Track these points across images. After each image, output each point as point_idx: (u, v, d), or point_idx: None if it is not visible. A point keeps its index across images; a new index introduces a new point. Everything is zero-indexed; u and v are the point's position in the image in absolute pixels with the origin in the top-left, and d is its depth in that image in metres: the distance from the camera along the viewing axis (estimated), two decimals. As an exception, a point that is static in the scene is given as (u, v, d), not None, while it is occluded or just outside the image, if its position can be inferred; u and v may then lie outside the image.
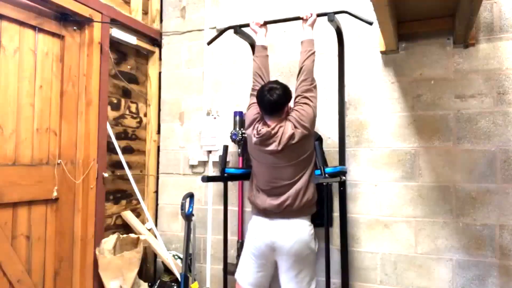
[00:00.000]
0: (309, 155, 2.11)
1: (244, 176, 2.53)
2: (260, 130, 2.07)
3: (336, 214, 2.52)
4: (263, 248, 2.08)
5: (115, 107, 2.89)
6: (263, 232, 2.09)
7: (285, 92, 2.07)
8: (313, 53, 2.17)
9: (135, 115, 3.10)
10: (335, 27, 2.34)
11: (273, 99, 2.02)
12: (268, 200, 2.09)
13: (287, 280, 2.06)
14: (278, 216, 2.07)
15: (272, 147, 2.04)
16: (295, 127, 2.03)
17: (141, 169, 3.15)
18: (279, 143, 2.02)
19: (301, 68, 2.15)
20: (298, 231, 2.04)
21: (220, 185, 2.83)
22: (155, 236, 2.94)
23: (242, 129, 2.75)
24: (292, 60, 2.75)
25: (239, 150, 2.80)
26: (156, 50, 3.25)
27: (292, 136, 2.01)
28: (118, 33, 2.81)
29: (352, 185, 2.57)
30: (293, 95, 2.14)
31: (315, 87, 2.15)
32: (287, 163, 2.06)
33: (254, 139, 2.09)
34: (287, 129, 2.03)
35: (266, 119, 2.12)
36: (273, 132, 2.03)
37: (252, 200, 2.17)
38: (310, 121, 2.07)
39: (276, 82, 2.12)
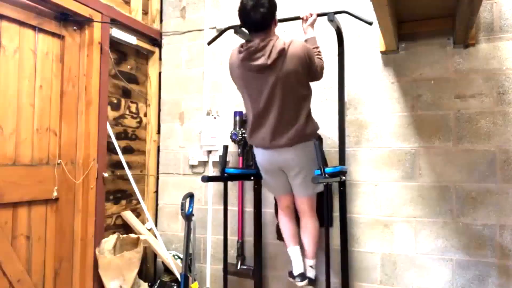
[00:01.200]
0: (301, 91, 2.05)
1: (244, 176, 2.53)
2: (247, 44, 1.95)
3: (336, 214, 2.52)
4: (270, 167, 2.24)
5: (115, 107, 2.89)
6: (267, 159, 2.19)
7: (270, 3, 1.93)
8: (320, 51, 2.19)
9: (135, 115, 3.10)
10: (335, 27, 2.34)
11: (258, 18, 1.90)
12: (267, 138, 2.10)
13: (295, 185, 2.23)
14: (280, 147, 2.11)
15: (260, 61, 1.92)
16: (293, 47, 1.92)
17: (141, 169, 3.15)
18: (268, 57, 1.90)
19: None
20: (299, 153, 2.10)
21: (220, 185, 2.83)
22: (155, 236, 2.94)
23: (242, 129, 2.75)
24: (292, 60, 2.74)
25: (239, 150, 2.80)
26: (156, 50, 3.25)
27: (282, 51, 1.90)
28: (118, 33, 2.81)
29: (352, 185, 2.57)
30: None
31: (322, 68, 2.17)
32: (279, 89, 1.96)
33: (240, 56, 1.97)
34: (278, 43, 1.92)
35: (252, 37, 2.00)
36: (261, 44, 1.92)
37: (252, 141, 2.21)
38: (310, 56, 2.00)
39: None
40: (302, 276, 2.26)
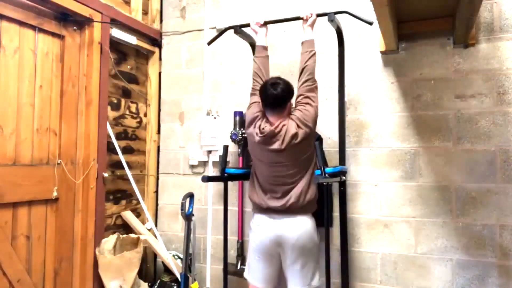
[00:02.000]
0: (311, 154, 2.11)
1: (244, 176, 2.53)
2: (263, 129, 2.06)
3: (336, 214, 2.52)
4: (268, 244, 2.08)
5: (115, 107, 2.89)
6: (267, 229, 2.08)
7: (288, 87, 2.08)
8: (314, 53, 2.17)
9: (135, 115, 3.10)
10: (335, 27, 2.34)
11: (276, 93, 2.03)
12: (270, 200, 2.09)
13: (292, 273, 2.06)
14: (282, 214, 2.07)
15: (275, 146, 2.03)
16: (298, 126, 2.03)
17: (141, 169, 3.15)
18: (282, 142, 2.02)
19: (303, 69, 2.15)
20: (302, 225, 2.04)
21: (220, 185, 2.83)
22: (155, 236, 2.94)
23: (242, 129, 2.74)
24: (292, 60, 2.75)
25: (239, 150, 2.80)
26: (156, 50, 3.25)
27: (295, 136, 2.01)
28: (118, 33, 2.81)
29: (352, 185, 2.57)
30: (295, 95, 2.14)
31: (316, 87, 2.15)
32: (289, 162, 2.06)
33: (257, 138, 2.08)
34: (290, 128, 2.03)
35: (268, 116, 2.11)
36: (276, 130, 2.03)
37: (254, 199, 2.17)
38: (313, 120, 2.07)
39: (279, 78, 2.13)
40: None
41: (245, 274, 2.23)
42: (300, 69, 2.16)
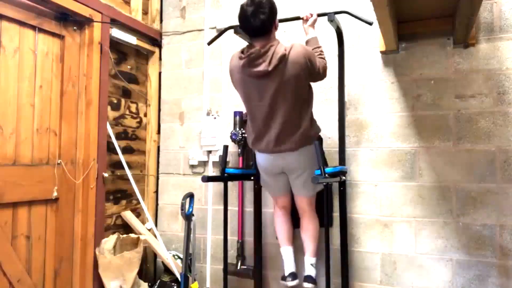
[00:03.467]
0: (303, 94, 2.05)
1: (244, 176, 2.53)
2: (247, 51, 1.94)
3: (336, 214, 2.52)
4: (272, 170, 2.23)
5: (115, 107, 2.89)
6: (269, 162, 2.19)
7: (270, 8, 1.91)
8: (322, 50, 2.19)
9: (135, 115, 3.10)
10: (335, 27, 2.34)
11: (256, 25, 1.89)
12: (268, 144, 2.11)
13: (296, 186, 2.25)
14: (280, 152, 2.12)
15: (262, 67, 1.91)
16: (290, 51, 1.91)
17: (141, 169, 3.15)
18: (269, 63, 1.89)
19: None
20: (301, 156, 2.12)
21: (220, 185, 2.83)
22: (155, 236, 2.94)
23: (242, 129, 2.75)
24: (292, 60, 2.75)
25: (239, 150, 2.80)
26: (156, 50, 3.25)
27: (283, 57, 1.89)
28: (118, 33, 2.81)
29: (352, 185, 2.57)
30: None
31: (325, 69, 2.14)
32: (280, 93, 1.95)
33: (241, 62, 1.96)
34: (279, 49, 1.91)
35: (253, 41, 2.00)
36: (262, 50, 1.91)
37: (254, 147, 2.22)
38: (311, 59, 1.98)
39: None
40: (293, 275, 2.27)
41: (261, 183, 2.46)
42: None
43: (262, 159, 2.23)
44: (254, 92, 2.04)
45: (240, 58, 1.97)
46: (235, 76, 2.10)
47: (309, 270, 2.28)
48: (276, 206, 2.43)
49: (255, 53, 1.90)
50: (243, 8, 1.93)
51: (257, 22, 1.88)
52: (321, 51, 2.17)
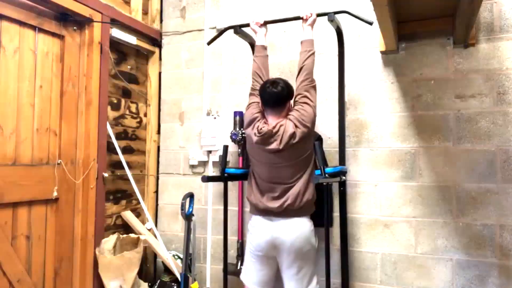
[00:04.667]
0: (309, 154, 2.11)
1: (244, 176, 2.52)
2: (261, 129, 2.06)
3: (336, 214, 2.52)
4: (264, 246, 2.07)
5: (115, 107, 2.89)
6: (264, 231, 2.08)
7: (288, 86, 2.10)
8: (313, 53, 2.17)
9: (135, 115, 3.10)
10: (335, 27, 2.34)
11: (276, 91, 2.04)
12: (268, 200, 2.09)
13: (288, 277, 2.07)
14: (278, 216, 2.07)
15: (273, 146, 2.03)
16: (296, 126, 2.03)
17: (141, 169, 3.15)
18: (280, 142, 2.02)
19: (301, 68, 2.15)
20: (298, 228, 2.04)
21: (220, 185, 2.83)
22: (155, 236, 2.94)
23: (242, 129, 2.74)
24: (292, 60, 2.75)
25: (239, 150, 2.80)
26: (156, 50, 3.25)
27: (293, 135, 2.01)
28: (118, 33, 2.81)
29: (352, 185, 2.57)
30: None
31: (314, 87, 2.15)
32: (287, 163, 2.06)
33: (255, 138, 2.08)
34: (288, 127, 2.03)
35: (267, 115, 2.12)
36: (274, 130, 2.03)
37: (252, 200, 2.17)
38: (311, 120, 2.07)
39: (279, 78, 2.16)
40: None
41: (242, 276, 2.23)
42: (298, 68, 2.17)
43: (257, 226, 2.12)
44: (265, 160, 2.11)
45: (255, 134, 2.08)
46: (249, 142, 2.18)
47: None
48: None
49: (268, 134, 2.03)
50: (265, 81, 2.15)
51: (277, 89, 2.05)
52: (312, 53, 2.17)
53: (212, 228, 2.96)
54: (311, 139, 2.14)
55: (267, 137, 2.04)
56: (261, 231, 2.10)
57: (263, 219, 2.11)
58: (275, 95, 2.05)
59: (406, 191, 2.46)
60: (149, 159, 3.19)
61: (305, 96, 2.10)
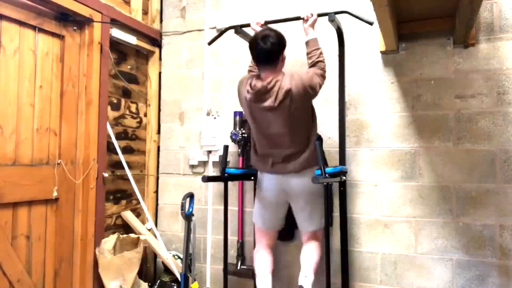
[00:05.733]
0: (308, 118, 2.08)
1: (244, 176, 2.53)
2: (254, 85, 1.98)
3: (336, 214, 2.52)
4: (275, 195, 2.16)
5: (115, 107, 2.89)
6: (273, 184, 2.15)
7: (280, 39, 1.99)
8: (321, 52, 2.17)
9: (135, 115, 3.10)
10: (336, 27, 2.34)
11: (266, 47, 1.94)
12: (272, 165, 2.11)
13: (301, 218, 2.21)
14: (284, 174, 2.11)
15: (268, 102, 1.96)
16: (294, 84, 1.95)
17: (141, 169, 3.15)
18: (275, 99, 1.94)
19: (315, 63, 2.13)
20: (306, 179, 2.08)
21: (220, 185, 2.83)
22: (155, 236, 2.94)
23: (242, 129, 2.75)
24: (292, 60, 2.75)
25: (239, 150, 2.80)
26: (156, 50, 3.25)
27: (289, 92, 1.94)
28: (118, 33, 2.81)
29: (352, 185, 2.57)
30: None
31: (323, 76, 2.12)
32: (286, 123, 2.00)
33: (248, 96, 2.01)
34: (284, 83, 1.95)
35: (261, 73, 2.05)
36: (269, 86, 1.95)
37: (256, 166, 2.20)
38: (311, 84, 2.00)
39: (269, 28, 2.04)
40: None
41: (254, 219, 2.37)
42: (311, 65, 2.15)
43: (266, 181, 2.18)
44: (261, 120, 2.08)
45: (248, 92, 2.01)
46: (242, 101, 2.13)
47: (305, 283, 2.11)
48: (261, 242, 2.30)
49: (262, 90, 1.95)
50: (255, 35, 2.03)
51: (267, 46, 1.94)
52: (321, 52, 2.16)
53: (212, 228, 2.96)
54: (309, 102, 2.08)
55: (261, 93, 1.95)
56: (271, 184, 2.16)
57: (271, 175, 2.16)
58: (267, 52, 1.95)
59: (406, 191, 2.46)
60: (149, 159, 3.19)
61: (314, 71, 2.06)
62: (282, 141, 2.06)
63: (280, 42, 1.99)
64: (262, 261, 2.26)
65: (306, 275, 2.13)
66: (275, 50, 1.98)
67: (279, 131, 2.03)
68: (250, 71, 2.22)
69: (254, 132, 2.17)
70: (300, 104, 2.00)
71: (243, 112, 2.20)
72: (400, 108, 2.51)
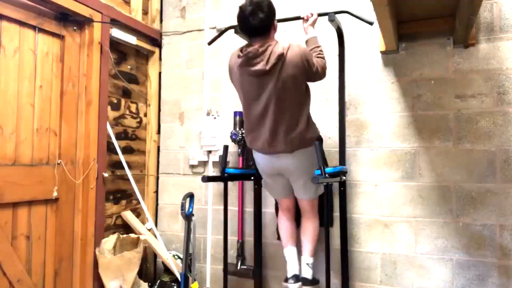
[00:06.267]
0: (301, 94, 2.04)
1: (244, 176, 2.53)
2: (245, 50, 1.95)
3: (336, 214, 2.52)
4: (270, 171, 2.24)
5: (115, 107, 2.89)
6: (267, 163, 2.19)
7: (269, 7, 1.94)
8: (321, 50, 2.17)
9: (135, 115, 3.10)
10: (336, 27, 2.34)
11: (256, 24, 1.90)
12: (265, 145, 2.10)
13: (297, 187, 2.24)
14: (277, 153, 2.12)
15: (259, 66, 1.91)
16: (292, 52, 1.91)
17: (141, 169, 3.15)
18: (267, 62, 1.90)
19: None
20: (298, 158, 2.10)
21: (220, 185, 2.83)
22: (155, 236, 2.94)
23: (242, 129, 2.74)
24: (292, 60, 2.75)
25: (239, 150, 2.80)
26: (156, 50, 3.25)
27: (281, 56, 1.90)
28: (118, 33, 2.81)
29: (352, 185, 2.57)
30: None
31: (324, 68, 2.12)
32: (277, 92, 1.95)
33: (239, 61, 1.97)
34: (277, 48, 1.91)
35: (252, 41, 2.01)
36: (260, 50, 1.91)
37: (250, 143, 2.21)
38: (309, 60, 1.97)
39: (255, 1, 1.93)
40: (296, 278, 2.24)
41: (264, 186, 2.49)
42: None
43: (259, 159, 2.24)
44: (251, 90, 2.04)
45: (239, 56, 1.98)
46: (233, 74, 2.11)
47: (306, 272, 2.27)
48: (280, 207, 2.43)
49: (253, 52, 1.91)
50: (241, 8, 1.96)
51: (256, 21, 1.90)
52: (321, 50, 2.16)
53: (212, 228, 2.96)
54: (304, 79, 2.04)
55: (252, 57, 1.91)
56: (264, 162, 2.20)
57: (264, 155, 2.18)
58: (257, 28, 1.92)
59: (406, 191, 2.46)
60: (149, 159, 3.19)
61: (317, 59, 2.06)
62: (270, 114, 2.00)
63: (269, 12, 1.93)
64: (284, 232, 2.38)
65: (308, 262, 2.27)
66: (266, 23, 1.93)
67: (268, 102, 1.98)
68: None
69: (244, 108, 2.15)
70: (293, 73, 1.93)
71: (235, 87, 2.18)
72: (400, 108, 2.51)
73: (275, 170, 2.20)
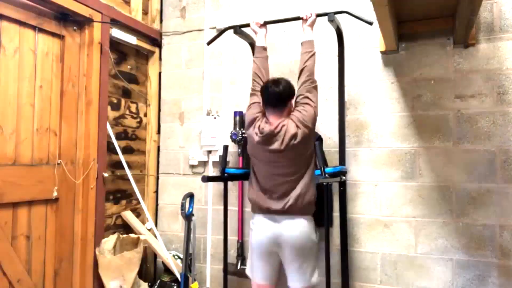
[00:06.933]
0: (310, 154, 2.11)
1: (244, 176, 2.53)
2: (262, 129, 2.06)
3: (336, 214, 2.52)
4: (266, 243, 2.09)
5: (115, 107, 2.89)
6: (266, 229, 2.09)
7: (290, 86, 2.11)
8: (314, 54, 2.17)
9: (135, 115, 3.10)
10: (335, 27, 2.34)
11: (278, 90, 2.06)
12: (269, 200, 2.09)
13: (291, 271, 2.09)
14: (280, 215, 2.07)
15: (275, 146, 2.04)
16: (298, 126, 2.04)
17: (141, 169, 3.15)
18: (282, 142, 2.02)
19: (302, 69, 2.15)
20: (299, 227, 2.04)
21: (220, 185, 2.83)
22: (155, 236, 2.94)
23: (242, 129, 2.75)
24: (293, 60, 2.75)
25: (239, 150, 2.80)
26: (156, 50, 3.25)
27: (294, 136, 2.02)
28: (118, 33, 2.81)
29: (352, 185, 2.57)
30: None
31: (315, 87, 2.15)
32: (288, 162, 2.06)
33: (256, 138, 2.08)
34: (290, 128, 2.03)
35: (268, 115, 2.12)
36: (276, 131, 2.03)
37: (253, 200, 2.17)
38: (312, 120, 2.07)
39: (280, 77, 2.16)
40: None
41: (247, 271, 2.25)
42: (299, 70, 2.16)
43: (258, 224, 2.13)
44: (265, 159, 2.11)
45: (256, 134, 2.09)
46: (250, 142, 2.17)
47: None
48: None
49: (270, 134, 2.04)
50: (266, 81, 2.15)
51: (279, 88, 2.06)
52: (313, 54, 2.16)
53: (212, 228, 2.96)
54: (312, 139, 2.14)
55: (269, 137, 2.05)
56: (263, 229, 2.10)
57: (264, 218, 2.11)
58: (277, 95, 2.06)
59: (406, 191, 2.46)
60: (149, 159, 3.19)
61: (306, 97, 2.10)
62: (285, 172, 2.08)
63: (290, 88, 2.11)
64: None
65: None
66: (286, 94, 2.09)
67: (283, 165, 2.08)
68: (252, 94, 2.23)
69: (256, 165, 2.18)
70: (304, 144, 2.06)
71: (248, 149, 2.23)
72: (400, 108, 2.51)
73: (273, 240, 2.06)
